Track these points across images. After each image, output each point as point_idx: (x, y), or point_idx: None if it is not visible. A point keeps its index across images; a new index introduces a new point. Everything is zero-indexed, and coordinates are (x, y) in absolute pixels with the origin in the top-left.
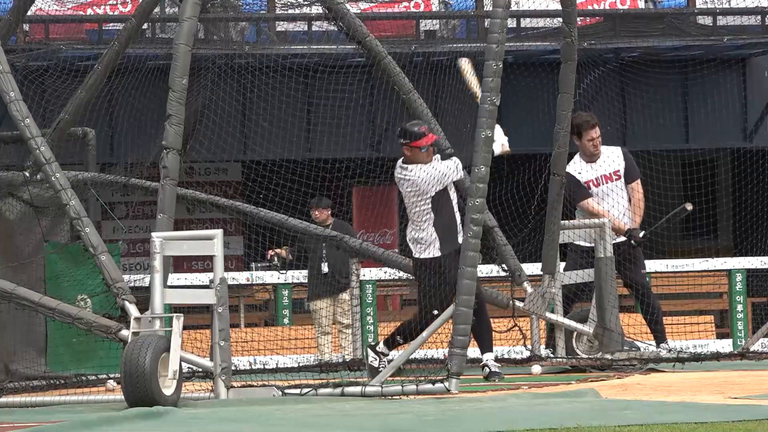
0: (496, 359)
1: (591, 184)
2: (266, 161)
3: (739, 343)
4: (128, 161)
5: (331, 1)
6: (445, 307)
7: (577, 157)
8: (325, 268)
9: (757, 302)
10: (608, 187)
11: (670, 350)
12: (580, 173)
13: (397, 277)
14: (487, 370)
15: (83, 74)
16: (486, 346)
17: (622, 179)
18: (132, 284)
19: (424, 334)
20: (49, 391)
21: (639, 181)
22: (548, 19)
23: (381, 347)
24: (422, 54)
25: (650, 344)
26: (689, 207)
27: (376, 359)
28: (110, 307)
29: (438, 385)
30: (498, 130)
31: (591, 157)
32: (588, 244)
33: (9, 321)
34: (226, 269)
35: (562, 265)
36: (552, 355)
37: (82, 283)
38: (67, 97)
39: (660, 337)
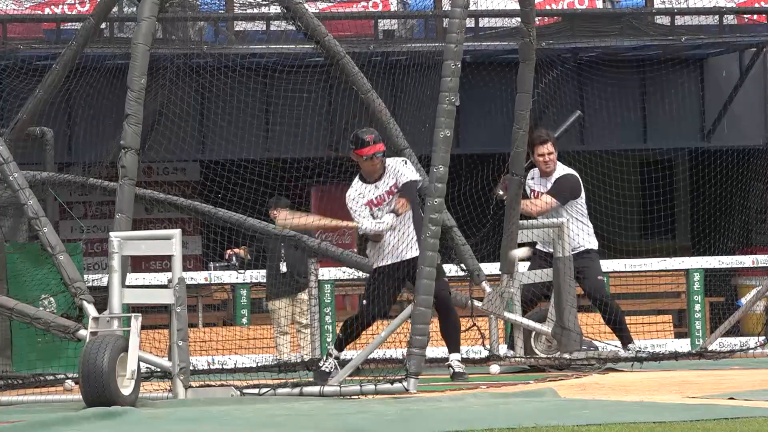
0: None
1: (533, 196)
2: (225, 161)
3: (697, 342)
4: (86, 161)
5: (290, 0)
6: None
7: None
8: (283, 267)
9: (715, 302)
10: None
11: (629, 350)
12: (532, 179)
13: (355, 277)
14: (452, 370)
15: (41, 74)
16: (453, 346)
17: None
18: (90, 284)
19: (383, 333)
20: (7, 391)
21: (554, 201)
22: (507, 18)
23: (331, 349)
24: (380, 54)
25: (608, 344)
26: (579, 113)
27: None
28: (69, 306)
29: (396, 385)
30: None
31: (543, 174)
32: (549, 249)
33: None
34: (185, 269)
35: (522, 265)
36: (510, 355)
37: (43, 282)
38: (25, 97)
39: (626, 339)
